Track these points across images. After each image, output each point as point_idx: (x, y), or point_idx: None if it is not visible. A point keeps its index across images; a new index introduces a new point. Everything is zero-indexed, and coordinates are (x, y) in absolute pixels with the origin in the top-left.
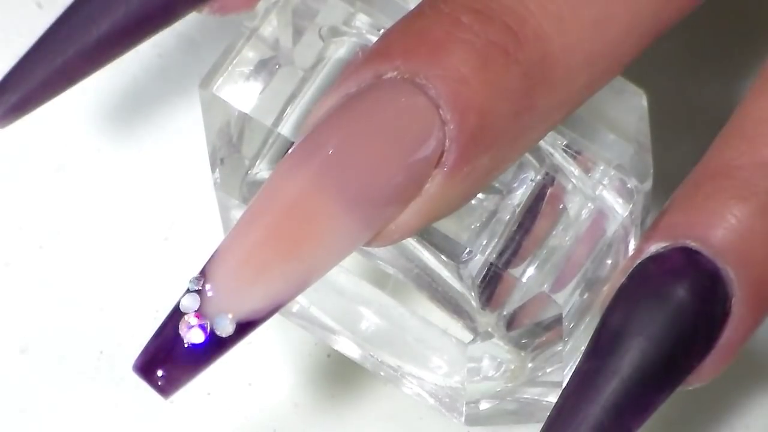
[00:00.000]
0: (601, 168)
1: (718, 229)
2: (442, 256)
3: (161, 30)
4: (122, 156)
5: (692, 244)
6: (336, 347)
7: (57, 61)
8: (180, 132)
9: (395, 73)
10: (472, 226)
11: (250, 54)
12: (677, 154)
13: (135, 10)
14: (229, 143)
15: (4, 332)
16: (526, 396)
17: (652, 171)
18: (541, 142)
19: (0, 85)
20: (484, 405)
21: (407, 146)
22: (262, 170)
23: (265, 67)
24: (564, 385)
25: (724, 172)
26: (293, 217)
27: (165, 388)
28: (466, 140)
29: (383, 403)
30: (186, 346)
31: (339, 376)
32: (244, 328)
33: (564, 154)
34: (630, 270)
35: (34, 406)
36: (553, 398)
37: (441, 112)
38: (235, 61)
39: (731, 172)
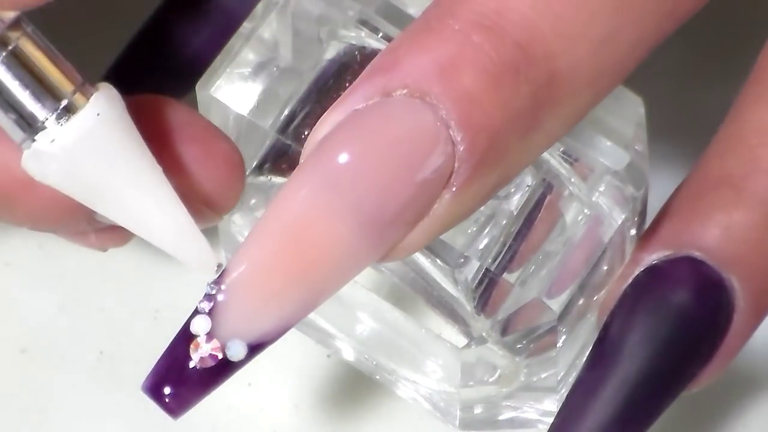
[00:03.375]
0: (598, 175)
1: (723, 239)
2: (438, 261)
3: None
4: None
5: (696, 253)
6: (333, 350)
7: None
8: None
9: (405, 91)
10: (469, 231)
11: (249, 56)
12: (674, 160)
13: (178, 70)
14: None
15: (4, 332)
16: (520, 401)
17: (648, 178)
18: None
19: None
20: (478, 410)
21: (417, 166)
22: (260, 173)
23: (263, 69)
24: (565, 393)
25: (726, 181)
26: (301, 239)
27: (174, 409)
28: (476, 161)
29: (383, 403)
30: (197, 368)
31: (339, 376)
32: (253, 349)
33: (561, 161)
34: (630, 278)
35: (34, 406)
36: (547, 403)
37: (451, 132)
38: (233, 63)
39: (733, 180)
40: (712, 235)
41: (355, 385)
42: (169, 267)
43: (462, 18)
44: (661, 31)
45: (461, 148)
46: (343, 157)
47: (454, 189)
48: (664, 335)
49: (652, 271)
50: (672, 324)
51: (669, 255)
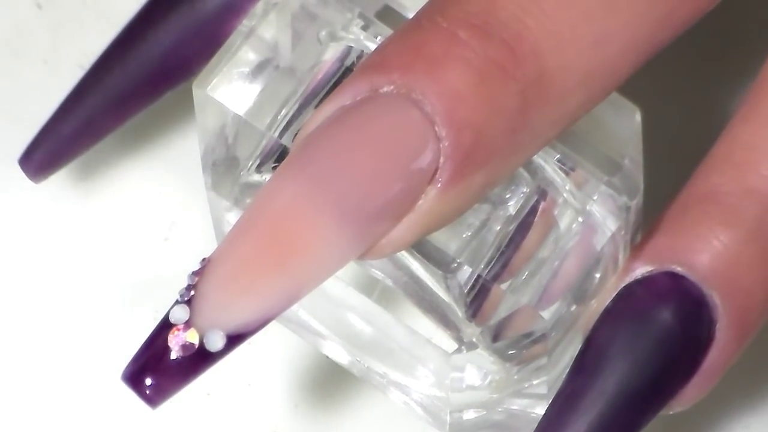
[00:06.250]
0: (592, 183)
1: (704, 254)
2: (431, 266)
3: (179, 85)
4: (122, 155)
5: (678, 268)
6: (325, 352)
7: (83, 119)
8: (180, 131)
9: (391, 87)
10: (463, 236)
11: (248, 55)
12: (669, 169)
13: (154, 68)
14: (224, 144)
15: (4, 332)
16: (512, 407)
17: (642, 187)
18: (534, 156)
19: (30, 145)
20: (468, 415)
21: (401, 161)
22: (254, 173)
23: (262, 68)
24: (548, 403)
25: (712, 198)
26: (283, 230)
27: (152, 398)
28: (460, 158)
29: (382, 404)
30: (175, 357)
31: (338, 376)
32: (233, 340)
33: (556, 169)
34: (616, 291)
35: (34, 406)
36: (539, 410)
37: (436, 128)
38: (231, 62)
39: (718, 197)
40: (695, 250)
41: (355, 386)
42: (168, 267)
43: (451, 16)
44: (656, 37)
45: (446, 144)
46: (326, 151)
47: (439, 185)
48: (642, 349)
49: (634, 285)
50: (651, 338)
51: (652, 270)
